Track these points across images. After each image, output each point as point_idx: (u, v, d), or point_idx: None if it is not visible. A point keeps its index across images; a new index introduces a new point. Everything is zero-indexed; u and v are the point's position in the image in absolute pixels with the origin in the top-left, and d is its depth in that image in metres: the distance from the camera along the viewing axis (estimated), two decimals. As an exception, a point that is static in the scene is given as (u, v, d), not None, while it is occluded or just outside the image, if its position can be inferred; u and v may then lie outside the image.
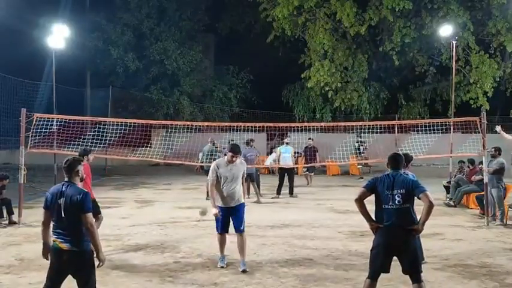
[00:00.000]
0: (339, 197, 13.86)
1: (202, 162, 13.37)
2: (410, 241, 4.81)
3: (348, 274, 6.36)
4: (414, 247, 4.89)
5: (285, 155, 14.07)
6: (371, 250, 4.95)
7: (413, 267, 4.84)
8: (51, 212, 4.40)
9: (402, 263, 4.86)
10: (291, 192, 13.83)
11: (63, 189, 4.36)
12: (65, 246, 4.28)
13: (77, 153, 7.33)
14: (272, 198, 13.50)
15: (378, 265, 4.86)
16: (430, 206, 4.64)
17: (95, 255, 4.44)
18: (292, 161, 14.36)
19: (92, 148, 5.21)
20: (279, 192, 13.69)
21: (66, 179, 4.45)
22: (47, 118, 11.35)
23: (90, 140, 13.59)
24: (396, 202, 4.76)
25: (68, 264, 4.31)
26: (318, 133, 20.94)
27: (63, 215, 4.30)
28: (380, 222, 4.88)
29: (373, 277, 4.89)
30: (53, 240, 4.38)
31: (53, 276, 4.38)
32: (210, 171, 6.61)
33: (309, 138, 17.37)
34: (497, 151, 10.06)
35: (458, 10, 22.29)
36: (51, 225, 4.43)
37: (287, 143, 14.50)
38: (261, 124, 13.45)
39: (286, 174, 13.92)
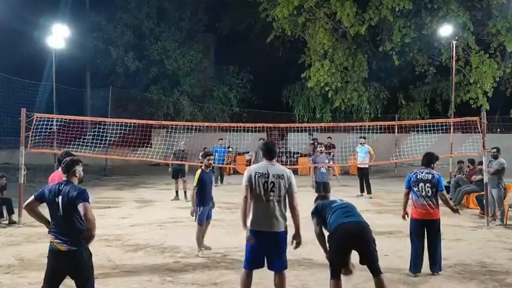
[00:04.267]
0: (338, 197, 13.83)
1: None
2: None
3: (348, 274, 6.35)
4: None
5: (361, 155, 14.11)
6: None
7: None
8: (42, 203, 4.42)
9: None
10: (369, 192, 13.76)
11: (61, 187, 4.34)
12: (63, 247, 4.25)
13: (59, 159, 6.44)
14: (357, 196, 13.60)
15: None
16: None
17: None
18: (365, 160, 14.06)
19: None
20: (362, 190, 13.86)
21: (64, 179, 4.45)
22: (47, 118, 11.36)
23: (90, 140, 13.59)
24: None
25: (66, 265, 4.29)
26: (318, 133, 20.95)
27: (61, 213, 4.28)
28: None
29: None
30: (50, 241, 4.34)
31: (51, 278, 4.35)
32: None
33: (328, 137, 19.23)
34: (498, 152, 10.06)
35: (458, 10, 22.29)
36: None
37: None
38: (261, 124, 13.43)
39: (363, 173, 13.99)
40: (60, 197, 4.29)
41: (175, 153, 13.55)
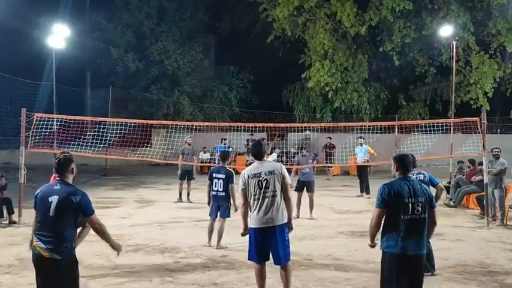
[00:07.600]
0: (339, 197, 13.85)
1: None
2: None
3: (348, 274, 6.36)
4: None
5: (360, 155, 14.19)
6: None
7: None
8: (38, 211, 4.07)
9: None
10: (367, 192, 13.60)
11: (57, 187, 4.03)
12: (46, 254, 3.89)
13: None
14: (357, 196, 13.71)
15: None
16: None
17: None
18: (364, 160, 14.00)
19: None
20: (362, 190, 13.90)
21: (58, 178, 4.16)
22: (47, 118, 11.35)
23: (90, 140, 13.58)
24: None
25: (51, 271, 3.92)
26: (318, 133, 20.95)
27: (51, 214, 3.91)
28: None
29: None
30: (34, 245, 3.97)
31: (42, 285, 3.99)
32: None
33: (328, 137, 19.31)
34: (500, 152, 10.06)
35: (458, 10, 22.31)
36: (35, 227, 4.05)
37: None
38: (261, 124, 13.42)
39: (362, 173, 14.11)
40: (56, 197, 3.94)
41: (184, 152, 13.02)
